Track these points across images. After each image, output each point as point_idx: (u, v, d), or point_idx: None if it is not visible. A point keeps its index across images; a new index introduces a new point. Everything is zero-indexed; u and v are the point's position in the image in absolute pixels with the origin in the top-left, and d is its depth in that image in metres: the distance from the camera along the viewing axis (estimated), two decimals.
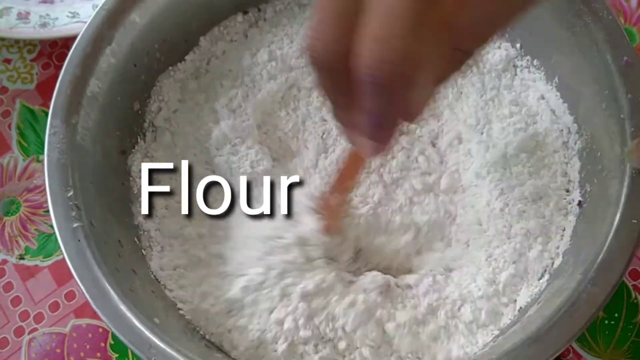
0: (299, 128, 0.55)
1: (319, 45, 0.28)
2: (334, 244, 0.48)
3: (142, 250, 0.49)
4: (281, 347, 0.46)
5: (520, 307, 0.47)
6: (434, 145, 0.54)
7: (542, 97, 0.54)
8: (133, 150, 0.53)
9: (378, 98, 0.28)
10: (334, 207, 0.47)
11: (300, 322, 0.46)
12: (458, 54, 0.30)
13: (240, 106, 0.55)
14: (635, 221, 0.42)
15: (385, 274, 0.48)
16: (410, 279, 0.49)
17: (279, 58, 0.56)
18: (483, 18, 0.29)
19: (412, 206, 0.51)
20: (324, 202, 0.47)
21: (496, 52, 0.56)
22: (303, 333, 0.46)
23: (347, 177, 0.45)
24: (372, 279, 0.48)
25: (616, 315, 0.52)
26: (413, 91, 0.28)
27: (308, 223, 0.47)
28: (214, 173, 0.52)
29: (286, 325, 0.46)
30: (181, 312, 0.47)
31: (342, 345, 0.46)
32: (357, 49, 0.27)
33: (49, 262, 0.56)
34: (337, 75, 0.29)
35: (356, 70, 0.27)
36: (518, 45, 0.55)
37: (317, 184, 0.51)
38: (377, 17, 0.27)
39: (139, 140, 0.53)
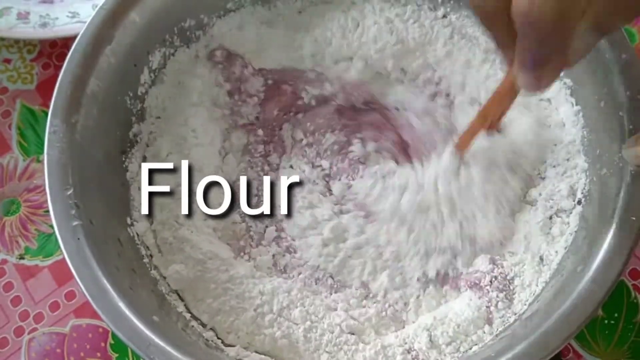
0: None
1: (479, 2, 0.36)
2: None
3: (142, 250, 0.49)
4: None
5: (520, 305, 0.47)
6: None
7: None
8: (133, 150, 0.53)
9: (535, 40, 0.34)
10: (471, 129, 0.49)
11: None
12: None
13: (244, 107, 0.55)
14: (634, 218, 0.43)
15: None
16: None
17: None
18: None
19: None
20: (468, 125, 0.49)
21: None
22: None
23: (495, 103, 0.47)
24: None
25: (616, 315, 0.52)
26: (570, 37, 0.34)
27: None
28: (214, 173, 0.52)
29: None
30: (179, 310, 0.47)
31: None
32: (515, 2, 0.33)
33: (49, 262, 0.56)
34: (498, 22, 0.36)
35: (516, 17, 0.33)
36: None
37: None
38: None
39: (139, 140, 0.53)
